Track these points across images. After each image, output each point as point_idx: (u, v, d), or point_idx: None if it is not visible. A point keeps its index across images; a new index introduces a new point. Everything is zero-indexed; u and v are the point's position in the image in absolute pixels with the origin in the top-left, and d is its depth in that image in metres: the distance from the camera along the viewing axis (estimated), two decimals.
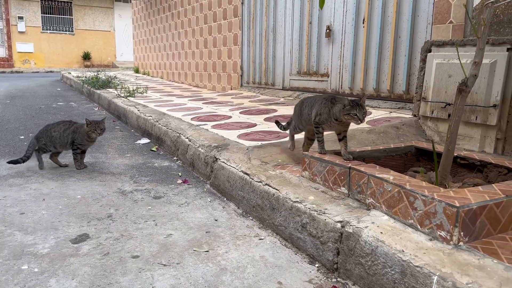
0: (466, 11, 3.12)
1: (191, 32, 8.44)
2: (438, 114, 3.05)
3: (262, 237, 1.96)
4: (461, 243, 1.39)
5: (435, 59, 3.06)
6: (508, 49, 2.61)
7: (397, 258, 1.37)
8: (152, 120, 4.04)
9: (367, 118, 3.48)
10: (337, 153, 2.10)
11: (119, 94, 6.18)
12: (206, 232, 2.00)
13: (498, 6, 2.94)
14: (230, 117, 3.95)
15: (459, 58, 1.98)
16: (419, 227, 1.50)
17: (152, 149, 3.70)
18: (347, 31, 4.36)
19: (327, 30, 4.61)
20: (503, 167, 1.94)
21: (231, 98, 5.64)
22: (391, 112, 3.68)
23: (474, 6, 3.08)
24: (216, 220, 2.15)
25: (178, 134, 3.37)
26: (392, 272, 1.38)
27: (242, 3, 6.35)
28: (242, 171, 2.35)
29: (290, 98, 5.12)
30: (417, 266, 1.31)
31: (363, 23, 4.15)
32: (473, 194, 1.50)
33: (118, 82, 8.07)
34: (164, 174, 2.95)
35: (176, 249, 1.82)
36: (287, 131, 2.62)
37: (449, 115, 2.98)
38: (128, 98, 5.86)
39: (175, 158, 3.36)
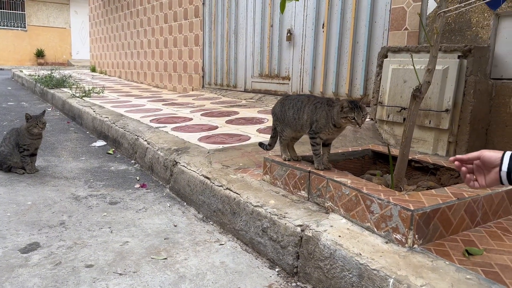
0: (420, 19, 3.24)
1: (151, 31, 8.27)
2: (393, 118, 3.15)
3: (223, 242, 1.94)
4: (415, 246, 1.43)
5: (391, 64, 3.16)
6: (459, 56, 2.74)
7: (354, 261, 1.39)
8: (109, 122, 3.91)
9: None
10: (310, 161, 2.00)
11: (74, 94, 5.94)
12: (164, 239, 1.95)
13: (450, 15, 3.08)
14: (191, 119, 3.89)
15: (413, 65, 2.05)
16: (375, 230, 1.53)
17: (109, 152, 3.58)
18: (307, 35, 4.42)
19: (288, 34, 4.65)
20: (455, 170, 2.03)
21: (192, 99, 5.57)
22: None
23: (427, 14, 3.21)
24: (175, 226, 2.11)
25: (136, 137, 3.28)
26: (350, 276, 1.40)
27: (203, 3, 6.30)
28: (203, 175, 2.31)
29: (252, 100, 5.12)
30: (374, 269, 1.33)
31: (323, 28, 4.22)
32: (426, 197, 1.55)
33: (73, 82, 7.76)
34: (121, 178, 2.86)
35: (132, 257, 1.76)
36: (273, 148, 2.23)
37: (404, 119, 3.09)
38: (83, 98, 5.65)
39: (133, 161, 3.27)
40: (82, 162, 3.25)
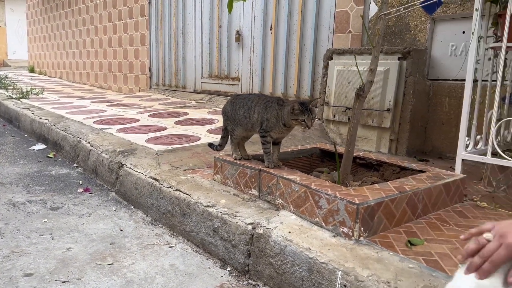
0: (362, 22, 3.37)
1: (94, 30, 7.95)
2: (339, 118, 3.25)
3: (172, 245, 1.89)
4: (361, 238, 1.48)
5: (336, 66, 3.26)
6: (399, 58, 2.88)
7: (304, 256, 1.42)
8: (49, 124, 3.70)
9: None
10: (261, 160, 1.99)
11: (10, 96, 5.57)
12: (110, 244, 1.87)
13: (390, 18, 3.23)
14: (138, 120, 3.78)
15: (356, 66, 2.13)
16: (324, 224, 1.57)
17: (49, 155, 3.39)
18: (256, 37, 4.45)
19: (237, 35, 4.66)
20: (396, 166, 2.12)
21: (139, 100, 5.42)
22: None
23: (370, 17, 3.34)
24: (121, 230, 2.03)
25: (78, 139, 3.13)
26: (300, 270, 1.42)
27: (149, 2, 6.15)
28: (151, 177, 2.25)
29: (201, 101, 5.07)
30: (322, 263, 1.36)
31: (271, 29, 4.27)
32: (371, 191, 1.61)
33: (10, 82, 7.28)
34: (62, 182, 2.71)
35: (76, 264, 1.67)
36: (223, 148, 2.20)
37: (349, 118, 3.19)
38: (21, 100, 5.31)
39: (75, 165, 3.12)
40: (20, 167, 3.05)
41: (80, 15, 8.51)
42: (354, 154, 2.28)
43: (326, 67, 3.38)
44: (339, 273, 1.31)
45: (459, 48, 2.85)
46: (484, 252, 0.83)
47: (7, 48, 22.30)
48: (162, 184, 2.15)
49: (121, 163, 2.53)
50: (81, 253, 1.77)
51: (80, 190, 2.57)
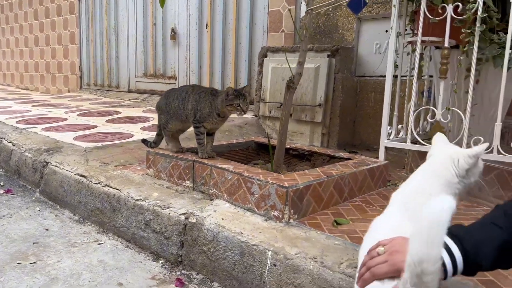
0: (293, 20, 3.48)
1: (19, 29, 7.44)
2: (274, 114, 3.32)
3: (102, 242, 1.82)
4: (291, 220, 1.52)
5: (271, 63, 3.33)
6: (328, 55, 3.00)
7: (236, 240, 1.43)
8: None
9: None
10: (195, 152, 1.97)
11: None
12: (33, 243, 1.76)
13: (320, 18, 3.37)
14: (65, 119, 3.59)
15: (287, 62, 2.17)
16: (256, 210, 1.59)
17: None
18: (191, 35, 4.42)
19: (172, 33, 4.60)
20: (326, 155, 2.21)
21: (68, 100, 5.15)
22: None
23: (301, 17, 3.46)
24: (46, 229, 1.91)
25: None
26: (233, 255, 1.43)
27: None
28: (78, 174, 2.15)
29: (136, 100, 4.93)
30: (254, 245, 1.38)
31: (207, 28, 4.27)
32: (300, 176, 1.66)
33: None
34: None
35: None
36: (158, 146, 2.15)
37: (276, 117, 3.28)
38: None
39: None
40: None
41: (3, 12, 7.92)
42: (287, 146, 2.34)
43: (261, 65, 3.44)
44: (269, 253, 1.33)
45: (382, 46, 3.03)
46: (370, 262, 0.86)
47: None
48: (90, 181, 2.06)
49: (46, 162, 2.39)
50: (0, 253, 1.65)
51: (1, 191, 2.39)
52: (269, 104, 3.35)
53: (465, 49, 1.84)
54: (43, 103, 4.87)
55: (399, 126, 2.27)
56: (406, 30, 2.29)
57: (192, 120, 1.91)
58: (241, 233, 1.44)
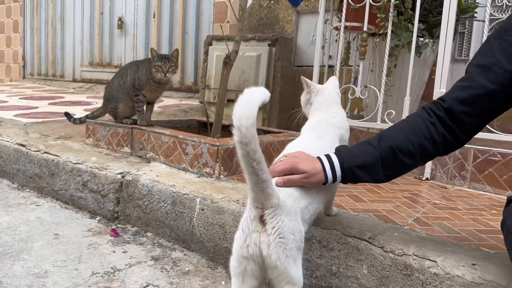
0: (234, 13, 3.65)
1: None
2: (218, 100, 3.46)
3: (40, 204, 1.87)
4: (221, 176, 1.67)
5: (215, 51, 3.48)
6: (269, 45, 3.19)
7: (169, 191, 1.55)
8: None
9: (159, 104, 3.65)
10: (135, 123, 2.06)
11: None
12: None
13: (262, 10, 3.56)
14: (6, 101, 3.52)
15: (227, 47, 2.31)
16: (190, 168, 1.72)
17: None
18: (139, 24, 4.47)
19: (119, 22, 4.62)
20: (262, 130, 2.38)
21: (10, 88, 5.00)
22: (181, 100, 3.96)
23: (246, 8, 3.63)
24: None
25: None
26: (165, 205, 1.55)
27: None
28: (17, 143, 2.17)
29: (81, 89, 4.88)
30: (184, 194, 1.51)
31: (154, 17, 4.34)
32: (232, 140, 1.81)
33: None
34: None
35: None
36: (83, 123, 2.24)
37: (228, 100, 3.42)
38: None
39: None
40: None
41: None
42: (227, 123, 2.49)
43: (206, 53, 3.57)
44: (198, 199, 1.47)
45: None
46: (273, 167, 1.02)
47: None
48: (29, 149, 2.09)
49: None
50: None
51: None
52: (214, 91, 3.48)
53: (380, 32, 2.09)
54: None
55: None
56: (335, 18, 2.52)
57: (132, 90, 2.00)
58: (174, 185, 1.56)
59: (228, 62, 2.16)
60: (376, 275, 1.11)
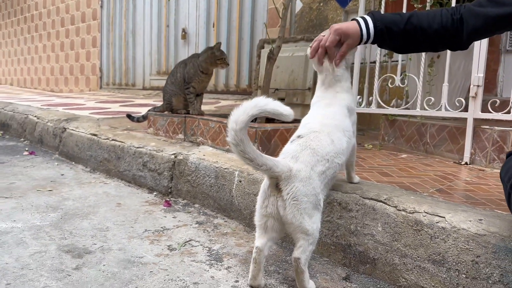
0: (280, 16, 3.82)
1: (47, 36, 8.05)
2: None
3: (107, 183, 2.16)
4: None
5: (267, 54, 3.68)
6: None
7: (212, 167, 1.75)
8: None
9: (215, 105, 3.93)
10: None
11: None
12: (51, 181, 2.12)
13: (312, 12, 3.71)
14: (84, 104, 4.00)
15: (272, 46, 2.49)
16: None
17: None
18: (200, 34, 4.83)
19: (183, 33, 5.02)
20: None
21: (88, 95, 5.61)
22: (236, 101, 4.20)
23: (296, 12, 3.81)
24: (62, 175, 2.28)
25: (25, 115, 3.33)
26: (210, 179, 1.75)
27: (101, 6, 6.41)
28: (90, 133, 2.51)
29: (149, 95, 5.35)
30: (225, 168, 1.70)
31: (213, 26, 4.67)
32: (271, 125, 1.98)
33: None
34: (9, 149, 2.90)
35: (19, 190, 1.91)
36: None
37: (278, 99, 3.60)
38: None
39: (22, 139, 3.30)
40: None
41: (33, 21, 8.58)
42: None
43: (259, 56, 3.79)
44: (237, 172, 1.65)
45: None
46: (322, 40, 1.22)
47: None
48: (100, 138, 2.42)
49: (64, 128, 2.77)
50: (24, 184, 2.01)
51: (25, 153, 2.77)
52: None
53: None
54: (66, 96, 5.34)
55: (370, 98, 2.56)
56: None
57: (183, 84, 2.26)
58: (217, 161, 1.76)
59: (271, 57, 2.34)
60: (390, 232, 1.20)
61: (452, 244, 1.07)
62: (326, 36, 1.22)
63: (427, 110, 2.11)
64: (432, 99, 2.10)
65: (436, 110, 2.08)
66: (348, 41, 1.20)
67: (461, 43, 1.16)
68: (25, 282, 1.09)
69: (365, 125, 3.32)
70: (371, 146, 2.36)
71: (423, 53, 2.15)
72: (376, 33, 1.18)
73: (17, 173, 2.23)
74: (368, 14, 1.20)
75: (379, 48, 2.38)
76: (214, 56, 2.17)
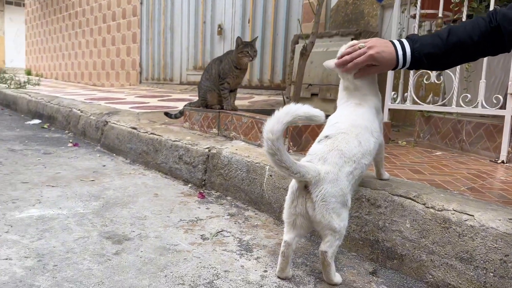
0: (313, 12, 3.81)
1: (89, 32, 8.39)
2: (303, 94, 3.66)
3: (146, 174, 2.27)
4: (290, 151, 1.87)
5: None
6: (352, 39, 3.31)
7: (244, 161, 1.80)
8: (44, 102, 4.09)
9: (249, 100, 3.98)
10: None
11: (8, 86, 5.95)
12: (93, 172, 2.25)
13: (348, 7, 3.68)
14: (124, 99, 4.17)
15: (304, 39, 2.51)
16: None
17: (43, 126, 3.76)
18: (235, 29, 4.89)
19: (219, 29, 5.10)
20: None
21: (129, 90, 5.82)
22: (270, 96, 4.24)
23: (331, 7, 3.79)
24: (104, 165, 2.40)
25: (70, 109, 3.51)
26: (241, 173, 1.81)
27: (141, 3, 6.61)
28: (131, 127, 2.63)
29: (186, 90, 5.48)
30: (256, 163, 1.75)
31: (249, 22, 4.72)
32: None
33: (8, 78, 7.66)
34: (55, 141, 3.09)
35: (64, 179, 2.05)
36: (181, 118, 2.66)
37: (311, 94, 3.61)
38: (18, 89, 5.69)
39: (66, 131, 3.49)
40: (17, 132, 3.41)
41: (77, 18, 8.96)
42: None
43: (293, 51, 3.81)
44: (267, 167, 1.69)
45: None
46: (353, 54, 1.21)
47: (4, 56, 22.66)
48: (139, 131, 2.53)
49: (106, 121, 2.91)
50: (68, 174, 2.14)
51: (69, 145, 2.94)
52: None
53: (455, 18, 2.10)
54: (107, 90, 5.57)
55: (405, 94, 2.53)
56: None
57: (217, 80, 2.32)
58: (248, 156, 1.81)
59: (304, 52, 2.36)
60: (418, 229, 1.21)
61: (480, 242, 1.07)
62: (361, 59, 1.20)
63: (463, 107, 2.06)
64: (469, 95, 2.05)
65: (473, 107, 2.03)
66: (379, 68, 1.21)
67: (504, 48, 1.16)
68: (70, 265, 1.19)
69: (400, 121, 3.27)
70: (404, 143, 2.34)
71: None
72: (413, 62, 1.19)
73: (62, 163, 2.38)
74: (406, 39, 1.20)
75: None
76: (237, 49, 2.21)
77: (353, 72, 1.24)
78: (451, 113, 2.24)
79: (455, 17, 2.10)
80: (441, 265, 1.15)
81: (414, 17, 2.41)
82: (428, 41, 1.18)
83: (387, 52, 1.17)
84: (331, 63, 1.29)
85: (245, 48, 2.19)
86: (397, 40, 1.20)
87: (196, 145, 2.11)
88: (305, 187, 1.12)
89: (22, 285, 1.07)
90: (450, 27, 1.18)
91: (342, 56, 1.26)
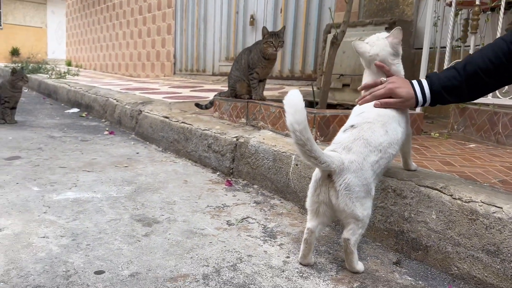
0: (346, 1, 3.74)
1: (126, 23, 8.60)
2: (335, 85, 3.62)
3: (176, 162, 2.33)
4: (317, 140, 1.87)
5: None
6: (386, 28, 3.24)
7: (271, 150, 1.82)
8: (82, 91, 4.25)
9: (279, 91, 3.98)
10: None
11: (49, 76, 6.22)
12: (127, 158, 2.33)
13: None
14: (158, 89, 4.27)
15: (335, 28, 2.48)
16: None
17: (81, 115, 3.92)
18: (268, 20, 4.88)
19: (251, 19, 5.11)
20: None
21: (163, 81, 5.95)
22: (300, 87, 4.22)
23: None
24: (137, 153, 2.49)
25: (106, 98, 3.64)
26: (268, 162, 1.83)
27: None
28: (163, 116, 2.71)
29: (218, 81, 5.54)
30: (283, 152, 1.76)
31: (281, 12, 4.70)
32: (330, 111, 1.99)
33: (50, 68, 8.01)
34: (92, 129, 3.22)
35: (99, 165, 2.14)
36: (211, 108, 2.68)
37: (343, 85, 3.57)
38: (59, 79, 5.94)
39: (103, 120, 3.62)
40: (57, 120, 3.58)
41: (114, 9, 9.20)
42: (335, 102, 2.66)
43: (325, 41, 3.77)
44: (293, 156, 1.70)
45: (440, 18, 3.17)
46: (373, 90, 1.24)
47: (47, 48, 23.63)
48: (171, 120, 2.60)
49: (140, 110, 3.01)
50: (103, 160, 2.24)
51: (106, 132, 3.06)
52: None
53: (493, 5, 2.01)
54: (142, 81, 5.71)
55: None
56: None
57: (247, 70, 2.33)
58: (275, 145, 1.83)
59: (335, 42, 2.33)
60: (444, 220, 1.20)
61: (508, 235, 1.05)
62: (380, 86, 1.25)
63: (499, 98, 1.99)
64: (506, 87, 1.97)
65: (510, 99, 1.95)
66: (400, 101, 1.21)
67: None
68: (102, 244, 1.26)
69: (434, 113, 3.19)
70: (437, 134, 2.28)
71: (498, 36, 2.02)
72: (434, 97, 1.20)
73: (98, 150, 2.48)
74: (426, 77, 1.22)
75: (450, 33, 2.28)
76: (262, 39, 2.21)
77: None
78: (487, 105, 2.16)
79: (493, 4, 2.01)
80: (467, 257, 1.13)
81: (450, 4, 2.33)
82: (444, 74, 1.20)
83: (405, 89, 1.20)
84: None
85: (270, 38, 2.18)
86: (416, 80, 1.23)
87: (225, 134, 2.15)
88: (328, 176, 1.13)
89: (57, 261, 1.14)
90: (467, 57, 1.18)
91: (362, 88, 1.36)
